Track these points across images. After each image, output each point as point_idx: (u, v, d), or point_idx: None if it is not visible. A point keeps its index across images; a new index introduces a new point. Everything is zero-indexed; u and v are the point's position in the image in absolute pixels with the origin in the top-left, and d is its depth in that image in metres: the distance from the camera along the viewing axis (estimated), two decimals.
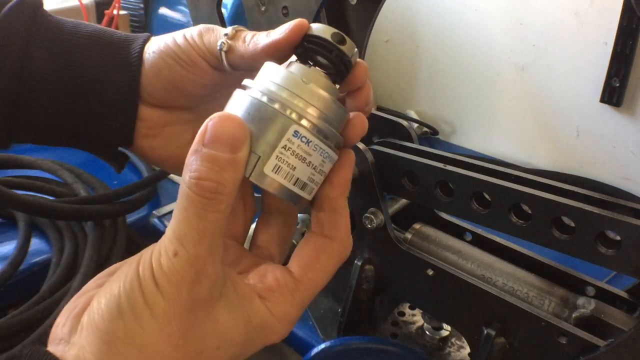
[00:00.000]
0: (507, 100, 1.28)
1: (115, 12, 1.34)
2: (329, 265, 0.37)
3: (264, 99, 0.33)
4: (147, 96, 0.43)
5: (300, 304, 0.36)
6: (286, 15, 0.61)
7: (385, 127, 0.66)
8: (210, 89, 0.44)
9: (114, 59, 0.42)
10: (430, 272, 0.57)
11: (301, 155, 0.34)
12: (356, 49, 0.37)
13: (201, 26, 0.42)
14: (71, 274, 0.90)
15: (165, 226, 1.08)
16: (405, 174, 0.57)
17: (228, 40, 0.40)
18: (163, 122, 0.45)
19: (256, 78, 0.36)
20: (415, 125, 1.38)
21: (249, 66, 0.40)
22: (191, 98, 0.45)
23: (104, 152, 0.47)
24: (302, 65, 0.37)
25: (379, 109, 1.52)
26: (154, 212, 1.11)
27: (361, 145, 0.58)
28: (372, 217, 0.59)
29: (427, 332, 0.67)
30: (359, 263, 0.62)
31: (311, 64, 0.38)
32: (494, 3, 1.21)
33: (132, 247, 1.06)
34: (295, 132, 0.33)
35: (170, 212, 1.11)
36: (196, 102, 0.46)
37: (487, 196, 0.52)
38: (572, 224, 0.47)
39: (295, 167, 0.34)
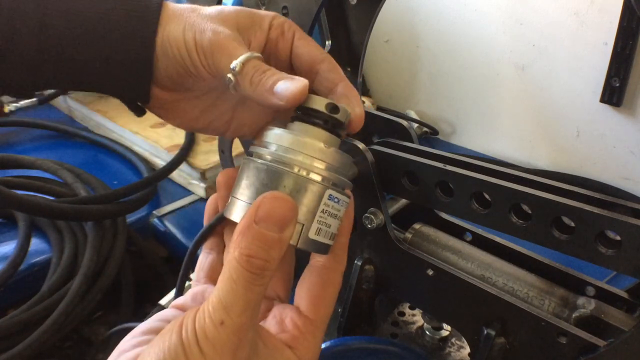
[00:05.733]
0: (507, 100, 1.28)
1: None
2: (335, 296, 0.40)
3: (300, 172, 0.36)
4: (158, 83, 0.43)
5: (320, 340, 0.39)
6: (286, 15, 0.61)
7: (385, 127, 0.66)
8: (217, 87, 0.45)
9: (128, 43, 0.41)
10: (430, 272, 0.57)
11: (334, 214, 0.37)
12: (349, 112, 0.40)
13: (212, 39, 0.40)
14: (71, 274, 0.90)
15: (165, 226, 1.08)
16: (405, 174, 0.57)
17: (236, 76, 0.39)
18: (174, 100, 0.45)
19: (270, 145, 0.37)
20: (415, 125, 1.39)
21: (254, 101, 0.41)
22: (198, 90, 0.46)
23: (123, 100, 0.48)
24: (311, 127, 0.38)
25: (379, 109, 1.52)
26: (154, 212, 1.11)
27: (361, 145, 0.58)
28: (372, 217, 0.59)
29: (427, 332, 0.67)
30: (359, 263, 0.62)
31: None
32: (494, 3, 1.21)
33: (132, 247, 1.06)
34: (330, 195, 0.37)
35: (170, 212, 1.11)
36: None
37: (487, 196, 0.52)
38: (572, 224, 0.47)
39: (330, 225, 0.37)
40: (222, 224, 0.46)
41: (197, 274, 0.44)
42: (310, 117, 0.38)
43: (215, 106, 0.47)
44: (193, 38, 0.40)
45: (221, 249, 0.45)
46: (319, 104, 0.38)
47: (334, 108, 0.38)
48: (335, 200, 0.37)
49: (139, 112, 0.48)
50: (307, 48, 0.43)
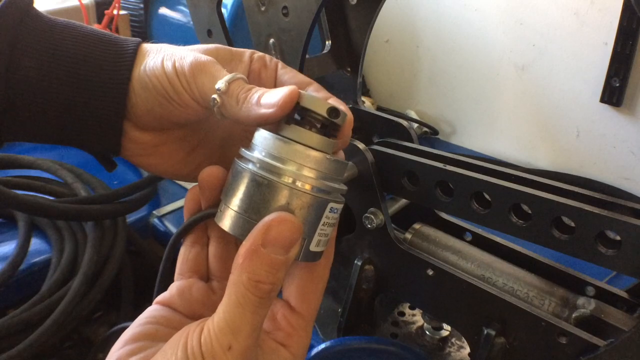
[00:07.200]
0: (507, 100, 1.28)
1: (115, 12, 1.34)
2: (323, 290, 0.40)
3: (303, 186, 0.34)
4: (139, 124, 0.42)
5: (310, 334, 0.39)
6: (286, 15, 0.61)
7: (385, 127, 0.66)
8: (204, 117, 0.44)
9: (99, 82, 0.40)
10: (430, 272, 0.57)
11: (332, 223, 0.37)
12: (347, 115, 0.38)
13: (193, 61, 0.40)
14: (71, 274, 0.90)
15: (165, 226, 1.08)
16: (405, 174, 0.57)
17: (222, 95, 0.38)
18: (155, 143, 0.44)
19: (268, 153, 0.35)
20: (415, 125, 1.38)
21: (241, 123, 0.40)
22: (183, 125, 0.45)
23: (94, 154, 0.47)
24: (310, 133, 0.36)
25: (379, 109, 1.52)
26: (154, 212, 1.11)
27: (361, 145, 0.58)
28: (372, 217, 0.59)
29: (427, 332, 0.67)
30: (359, 263, 0.62)
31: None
32: (494, 3, 1.21)
33: (132, 247, 1.06)
34: (331, 208, 0.36)
35: (170, 212, 1.11)
36: (188, 125, 0.46)
37: (487, 196, 0.52)
38: (572, 224, 0.47)
39: (328, 234, 0.37)
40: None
41: (180, 267, 0.43)
42: (309, 122, 0.37)
43: (202, 146, 0.46)
44: (173, 65, 0.40)
45: (205, 242, 0.44)
46: (320, 107, 0.36)
47: (334, 112, 0.36)
48: (335, 211, 0.36)
49: (109, 165, 0.47)
50: (292, 74, 0.43)
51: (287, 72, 0.44)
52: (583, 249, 0.47)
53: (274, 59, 0.44)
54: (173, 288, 0.42)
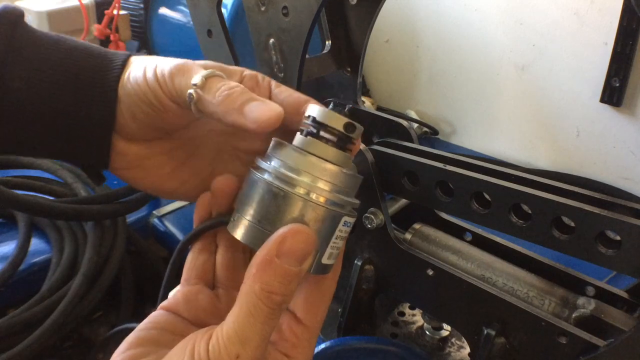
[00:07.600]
0: (507, 100, 1.28)
1: (115, 12, 1.34)
2: (329, 301, 0.40)
3: (318, 199, 0.34)
4: (124, 134, 0.42)
5: (314, 345, 0.39)
6: (286, 15, 0.60)
7: (385, 127, 0.66)
8: (186, 121, 0.44)
9: (89, 92, 0.40)
10: (430, 272, 0.57)
11: (344, 237, 0.37)
12: (362, 129, 0.38)
13: (173, 64, 0.40)
14: (71, 274, 0.90)
15: (165, 226, 1.08)
16: (405, 174, 0.57)
17: (198, 90, 0.38)
18: (141, 156, 0.44)
19: (284, 165, 0.35)
20: (415, 125, 1.38)
21: (219, 120, 0.39)
22: (168, 132, 0.44)
23: (82, 167, 0.47)
24: (327, 146, 0.36)
25: (379, 109, 1.52)
26: (153, 212, 1.11)
27: (361, 145, 0.58)
28: (372, 217, 0.59)
29: (427, 332, 0.67)
30: (359, 263, 0.62)
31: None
32: (494, 3, 1.21)
33: (132, 247, 1.06)
34: (345, 222, 0.36)
35: (170, 212, 1.11)
36: (173, 132, 0.45)
37: (487, 196, 0.52)
38: (572, 224, 0.47)
39: (339, 247, 0.37)
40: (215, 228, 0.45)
41: (186, 274, 0.43)
42: (325, 135, 0.36)
43: (190, 162, 0.46)
44: (154, 70, 0.40)
45: (213, 249, 0.44)
46: (337, 122, 0.36)
47: (351, 127, 0.36)
48: (348, 224, 0.36)
49: (98, 179, 0.46)
50: (289, 92, 0.42)
51: (282, 91, 0.42)
52: (583, 249, 0.47)
53: (267, 78, 0.43)
54: (178, 294, 0.42)
